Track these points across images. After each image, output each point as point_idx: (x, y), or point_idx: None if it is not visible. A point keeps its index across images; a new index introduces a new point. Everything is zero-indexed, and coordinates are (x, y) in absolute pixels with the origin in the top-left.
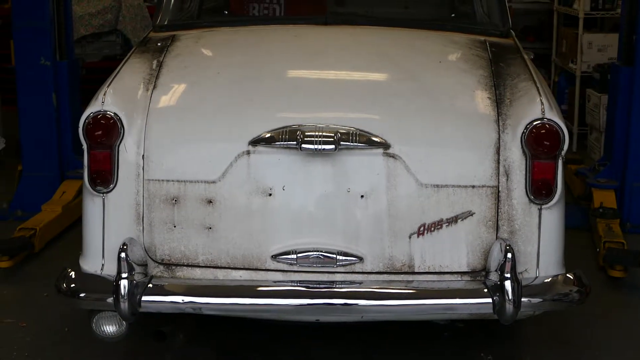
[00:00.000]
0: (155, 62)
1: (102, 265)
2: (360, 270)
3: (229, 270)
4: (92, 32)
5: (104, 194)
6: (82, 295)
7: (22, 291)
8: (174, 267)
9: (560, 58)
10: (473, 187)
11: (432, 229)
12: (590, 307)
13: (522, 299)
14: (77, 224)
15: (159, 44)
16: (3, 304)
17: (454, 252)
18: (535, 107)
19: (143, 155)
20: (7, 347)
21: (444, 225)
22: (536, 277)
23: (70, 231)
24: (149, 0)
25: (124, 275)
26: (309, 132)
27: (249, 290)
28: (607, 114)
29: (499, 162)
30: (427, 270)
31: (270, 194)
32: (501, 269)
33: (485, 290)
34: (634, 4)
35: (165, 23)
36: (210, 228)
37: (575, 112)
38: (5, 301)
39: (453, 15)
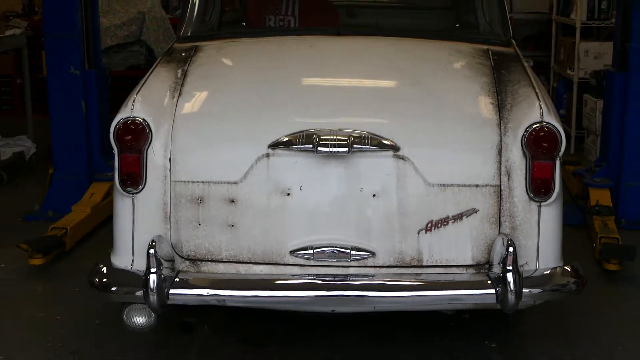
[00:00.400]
0: (180, 71)
1: (132, 261)
2: (373, 264)
3: (251, 265)
4: (118, 43)
5: (134, 195)
6: (113, 289)
7: (55, 287)
8: (199, 263)
9: (559, 65)
10: (477, 186)
11: (439, 225)
12: (587, 299)
13: (523, 290)
14: (105, 223)
15: (183, 54)
16: (37, 299)
17: (459, 246)
18: (535, 111)
19: (170, 158)
20: (43, 339)
21: (450, 222)
22: (536, 270)
23: (99, 230)
24: (171, 13)
25: (153, 270)
26: (324, 136)
27: (269, 284)
28: (603, 117)
29: (500, 163)
30: (434, 264)
31: (288, 194)
32: (503, 262)
33: (489, 282)
34: (627, 14)
35: (189, 34)
36: (232, 226)
37: (573, 116)
38: (39, 296)
39: (457, 25)
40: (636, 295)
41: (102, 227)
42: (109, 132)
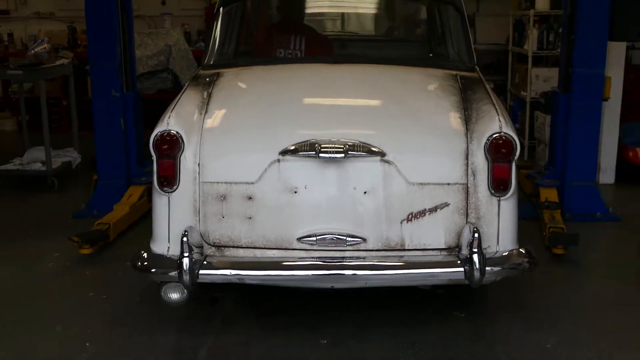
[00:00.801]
0: (205, 93)
1: (168, 247)
2: (364, 249)
3: (265, 249)
4: (149, 70)
5: (169, 193)
6: (153, 270)
7: (101, 271)
8: (223, 248)
9: (514, 87)
10: (448, 184)
11: (418, 216)
12: (538, 277)
13: (487, 268)
14: (141, 219)
15: (207, 79)
16: (87, 282)
17: (434, 233)
18: (495, 124)
19: (199, 164)
20: (93, 314)
21: (427, 214)
22: (497, 252)
23: (136, 225)
24: (192, 45)
25: (186, 254)
26: (324, 144)
27: (280, 265)
28: (550, 130)
29: (467, 166)
30: (414, 248)
31: (295, 192)
32: (470, 245)
33: (459, 262)
34: (570, 45)
35: (212, 63)
36: (250, 218)
37: (526, 129)
38: (88, 279)
39: (431, 55)
40: (578, 274)
41: (138, 223)
42: (143, 143)
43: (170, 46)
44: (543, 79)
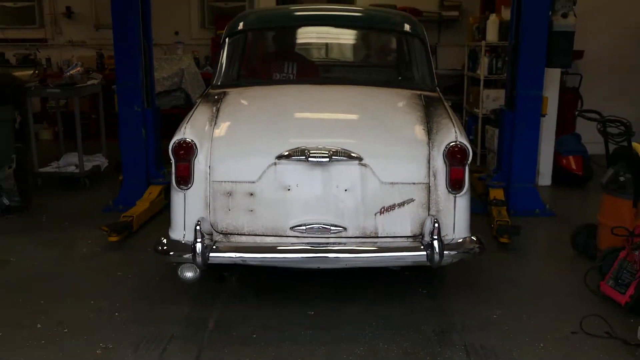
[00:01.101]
0: (214, 108)
1: (184, 234)
2: (345, 236)
3: (263, 236)
4: (165, 90)
5: (185, 190)
6: (171, 253)
7: (127, 255)
8: (229, 235)
9: (469, 105)
10: (414, 183)
11: (389, 209)
12: (487, 260)
13: (444, 252)
14: (159, 213)
15: (216, 97)
16: (115, 264)
17: (402, 224)
18: (452, 134)
19: (209, 166)
20: (121, 290)
21: (396, 207)
22: (453, 239)
23: (155, 218)
24: (200, 69)
25: (198, 240)
26: (312, 150)
27: (276, 249)
28: (498, 141)
29: (429, 168)
30: (386, 235)
31: (289, 189)
32: (431, 233)
33: (422, 247)
34: (514, 71)
35: (219, 84)
36: (251, 211)
37: (479, 140)
38: (116, 262)
39: (400, 78)
40: (520, 259)
41: (157, 216)
42: (160, 150)
43: (183, 70)
44: (492, 99)
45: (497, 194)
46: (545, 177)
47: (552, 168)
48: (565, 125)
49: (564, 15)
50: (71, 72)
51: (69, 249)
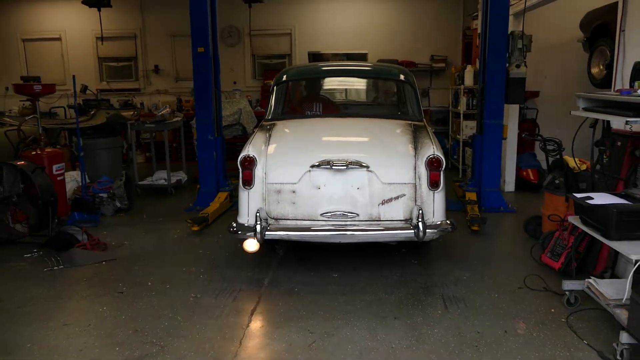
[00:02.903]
0: (267, 134)
1: (248, 220)
2: (358, 220)
3: (302, 220)
4: (227, 124)
5: (248, 190)
6: (239, 232)
7: (205, 239)
8: (278, 220)
9: (453, 133)
10: (405, 183)
11: (388, 201)
12: (462, 242)
13: (427, 230)
14: (226, 212)
15: (268, 127)
16: (197, 245)
17: (397, 211)
18: (430, 149)
19: (265, 173)
20: (203, 261)
21: (393, 200)
22: (433, 221)
23: (223, 215)
24: (253, 109)
25: (258, 223)
26: (335, 161)
27: (310, 229)
28: (472, 157)
29: (415, 173)
30: (386, 219)
31: (319, 188)
32: (417, 217)
33: (411, 227)
34: (482, 106)
35: (269, 118)
36: (294, 203)
37: (461, 158)
38: (197, 244)
39: (399, 112)
40: (485, 240)
41: (224, 214)
42: (226, 167)
43: (241, 109)
44: (470, 128)
45: (471, 196)
46: (509, 184)
47: (515, 178)
48: (525, 147)
49: (517, 66)
50: (162, 112)
51: (164, 235)
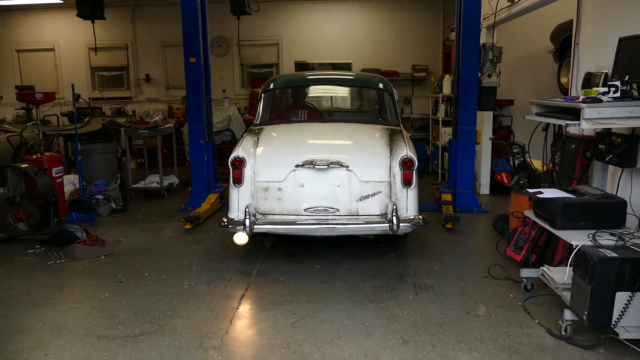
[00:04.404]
0: (256, 137)
1: (237, 215)
2: (338, 214)
3: (287, 215)
4: (218, 130)
5: (238, 188)
6: (230, 226)
7: (197, 236)
8: (266, 215)
9: (433, 139)
10: (381, 181)
11: (365, 198)
12: (435, 239)
13: (401, 224)
14: (216, 212)
15: (256, 131)
16: (189, 241)
17: (374, 207)
18: (404, 151)
19: (253, 172)
20: (196, 255)
21: (370, 196)
22: (406, 216)
23: (213, 215)
24: (241, 115)
25: (247, 217)
26: (318, 161)
27: (295, 222)
28: (448, 161)
29: (390, 172)
30: (364, 214)
31: (303, 186)
32: (392, 212)
33: (386, 221)
34: (457, 113)
35: (257, 123)
36: (280, 199)
37: (440, 162)
38: (190, 240)
39: (379, 119)
40: (457, 236)
41: (214, 214)
42: (216, 170)
43: (230, 116)
44: (448, 134)
45: (447, 197)
46: (484, 187)
47: (489, 181)
48: (499, 152)
49: (489, 76)
50: (155, 119)
51: (158, 233)
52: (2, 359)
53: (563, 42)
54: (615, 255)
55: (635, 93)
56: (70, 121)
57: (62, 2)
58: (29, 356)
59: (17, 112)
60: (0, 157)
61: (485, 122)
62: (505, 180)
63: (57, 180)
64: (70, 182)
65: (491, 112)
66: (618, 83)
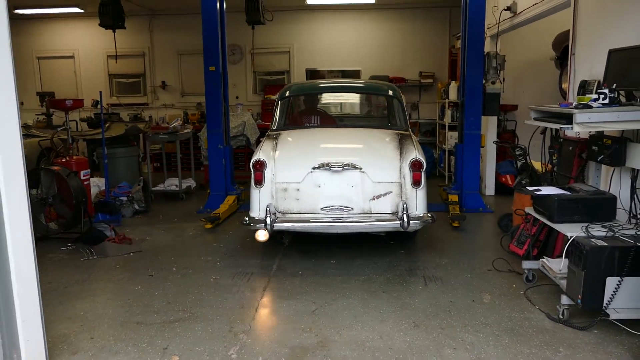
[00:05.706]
0: (274, 142)
1: (259, 214)
2: (353, 213)
3: (305, 214)
4: (233, 135)
5: (259, 188)
6: (251, 224)
7: (217, 235)
8: (285, 214)
9: (440, 143)
10: (392, 182)
11: (378, 197)
12: (443, 236)
13: (411, 221)
14: (234, 213)
15: (274, 136)
16: (211, 240)
17: (386, 206)
18: (414, 154)
19: (273, 174)
20: (218, 252)
21: (382, 196)
22: (416, 214)
23: (231, 216)
24: (254, 121)
25: (268, 216)
26: (333, 164)
27: (312, 220)
28: (455, 164)
29: (401, 173)
30: (376, 212)
31: (319, 186)
32: (402, 211)
33: (397, 219)
34: (462, 118)
35: (275, 128)
36: (298, 199)
37: (446, 165)
38: (210, 239)
39: (389, 124)
40: (464, 234)
41: (232, 215)
42: (234, 173)
43: (245, 122)
44: (454, 138)
45: (453, 197)
46: (490, 189)
47: (494, 183)
48: (504, 155)
49: (493, 82)
50: (174, 124)
51: (181, 232)
52: (51, 342)
53: (564, 50)
54: (605, 244)
55: (623, 99)
56: (90, 126)
57: (82, 11)
58: (75, 339)
59: (38, 118)
60: (30, 160)
61: (489, 127)
62: (510, 182)
63: (85, 183)
64: (95, 185)
65: (495, 117)
66: (607, 91)
